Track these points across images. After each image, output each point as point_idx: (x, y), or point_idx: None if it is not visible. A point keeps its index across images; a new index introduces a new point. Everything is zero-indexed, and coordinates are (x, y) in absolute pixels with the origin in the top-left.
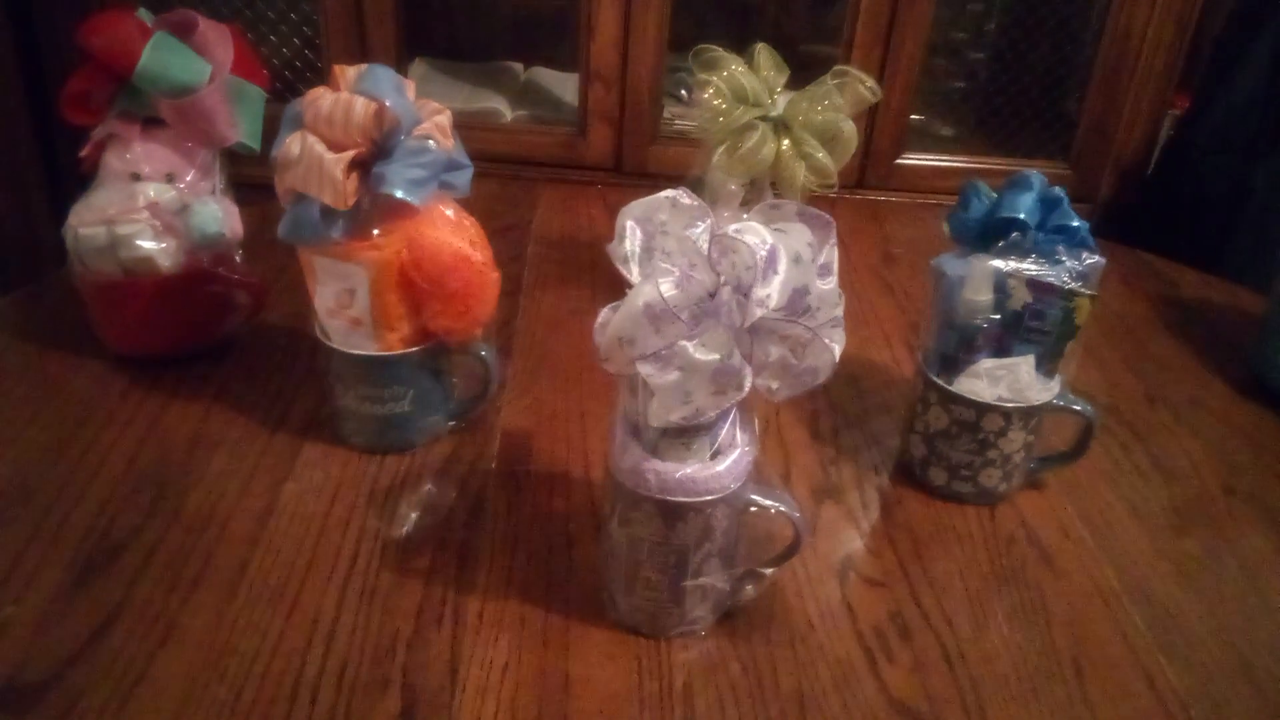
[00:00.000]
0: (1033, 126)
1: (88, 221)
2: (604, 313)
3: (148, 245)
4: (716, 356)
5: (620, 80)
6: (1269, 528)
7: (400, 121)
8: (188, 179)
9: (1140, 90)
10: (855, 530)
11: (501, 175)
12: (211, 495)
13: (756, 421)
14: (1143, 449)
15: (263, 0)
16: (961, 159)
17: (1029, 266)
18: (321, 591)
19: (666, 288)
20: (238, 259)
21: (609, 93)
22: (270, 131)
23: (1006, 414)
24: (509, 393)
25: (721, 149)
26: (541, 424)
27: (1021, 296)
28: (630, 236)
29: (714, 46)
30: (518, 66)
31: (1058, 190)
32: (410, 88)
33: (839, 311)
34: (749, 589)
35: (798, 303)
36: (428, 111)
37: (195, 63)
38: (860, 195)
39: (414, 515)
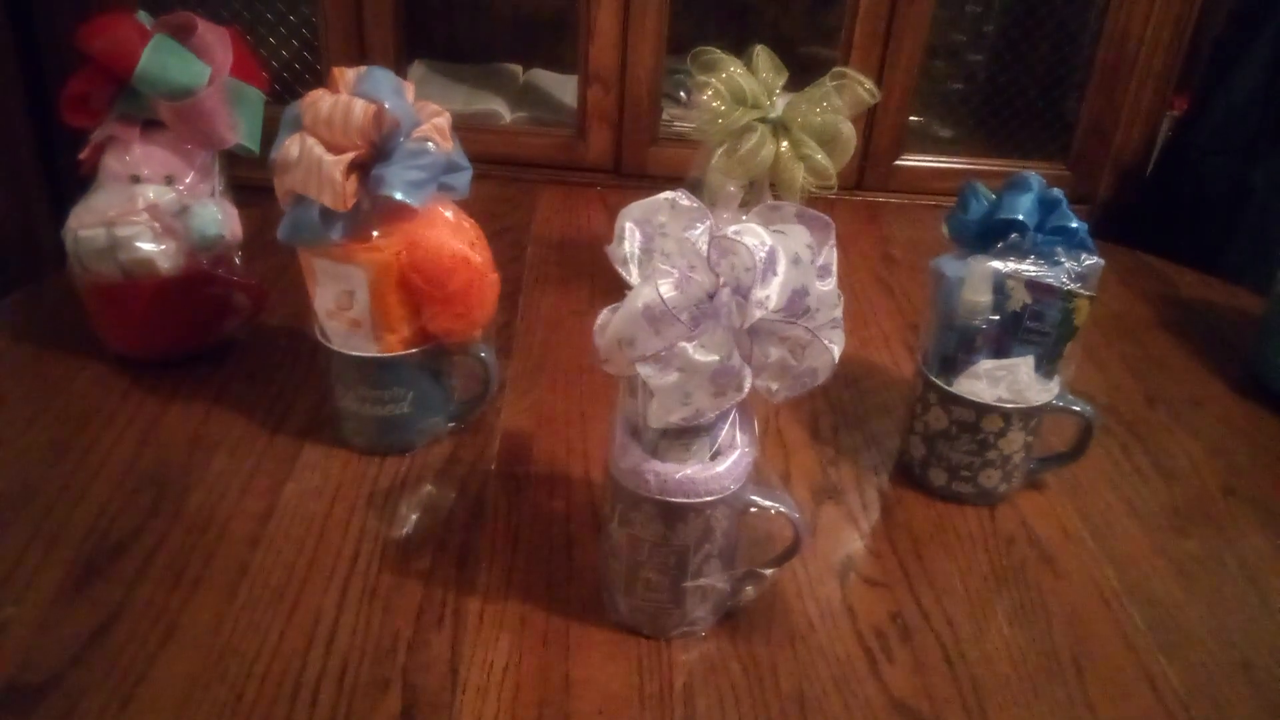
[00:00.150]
0: (1032, 128)
1: (87, 223)
2: (603, 314)
3: (147, 247)
4: (716, 358)
5: (619, 82)
6: (1269, 528)
7: (399, 123)
8: (187, 181)
9: (1139, 91)
10: (855, 531)
11: (501, 177)
12: (212, 496)
13: (756, 422)
14: (1142, 449)
15: (262, 2)
16: (960, 160)
17: (1028, 267)
18: (322, 592)
19: (666, 289)
20: (237, 261)
21: (608, 94)
22: (269, 133)
23: (1006, 415)
24: (509, 394)
25: (720, 150)
26: (541, 425)
27: (1021, 297)
28: (629, 238)
29: (713, 48)
30: (517, 68)
31: (1056, 191)
32: (409, 90)
33: (838, 313)
34: (749, 590)
35: (797, 304)
36: (427, 113)
37: (194, 65)
38: (859, 196)
39: (414, 516)
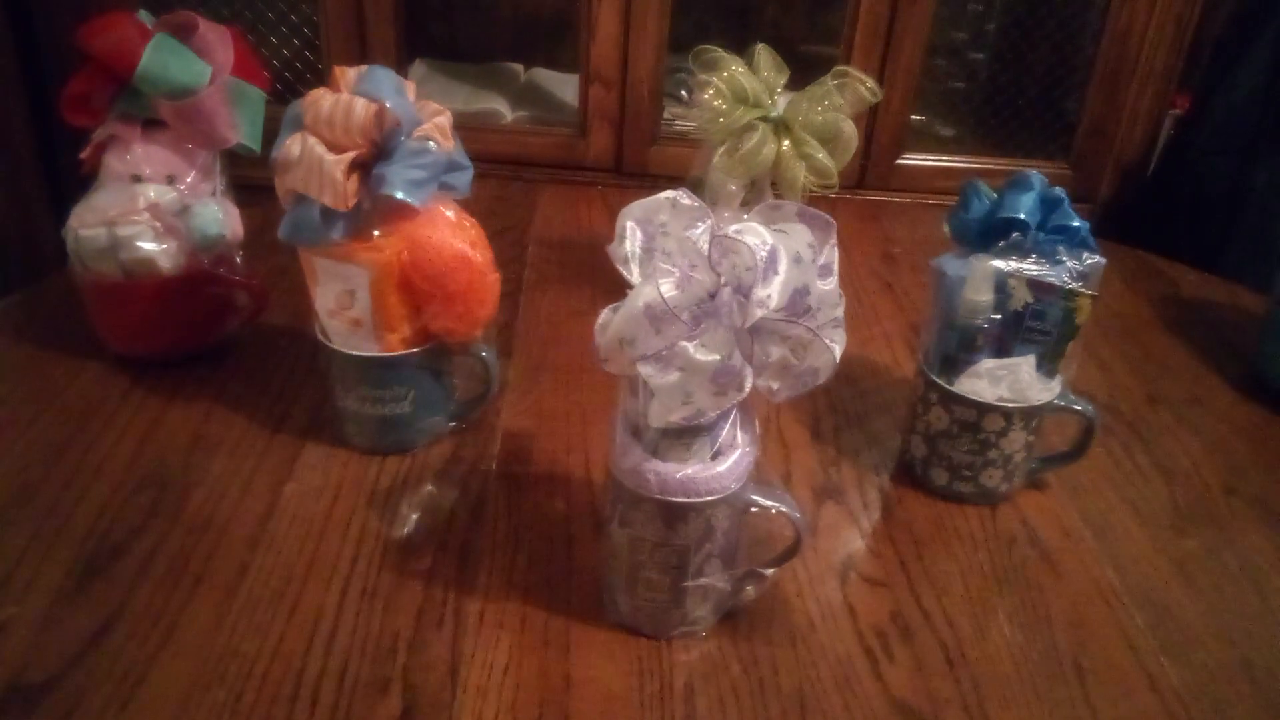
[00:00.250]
0: (1033, 126)
1: (88, 223)
2: (604, 313)
3: (148, 247)
4: (717, 357)
5: (620, 81)
6: (1270, 527)
7: (400, 123)
8: (188, 180)
9: (1140, 90)
10: (856, 530)
11: (502, 176)
12: (212, 496)
13: (757, 422)
14: (1144, 449)
15: (263, 1)
16: (962, 159)
17: (1029, 266)
18: (322, 592)
19: (667, 288)
20: (238, 260)
21: (609, 93)
22: (270, 133)
23: (1007, 414)
24: (509, 393)
25: (722, 150)
26: (542, 425)
27: (1022, 296)
28: (630, 237)
29: (714, 47)
30: (518, 67)
31: (1058, 190)
32: (410, 89)
33: (839, 312)
34: (750, 589)
35: (798, 303)
36: (428, 113)
37: (195, 64)
38: (860, 196)
39: (414, 516)
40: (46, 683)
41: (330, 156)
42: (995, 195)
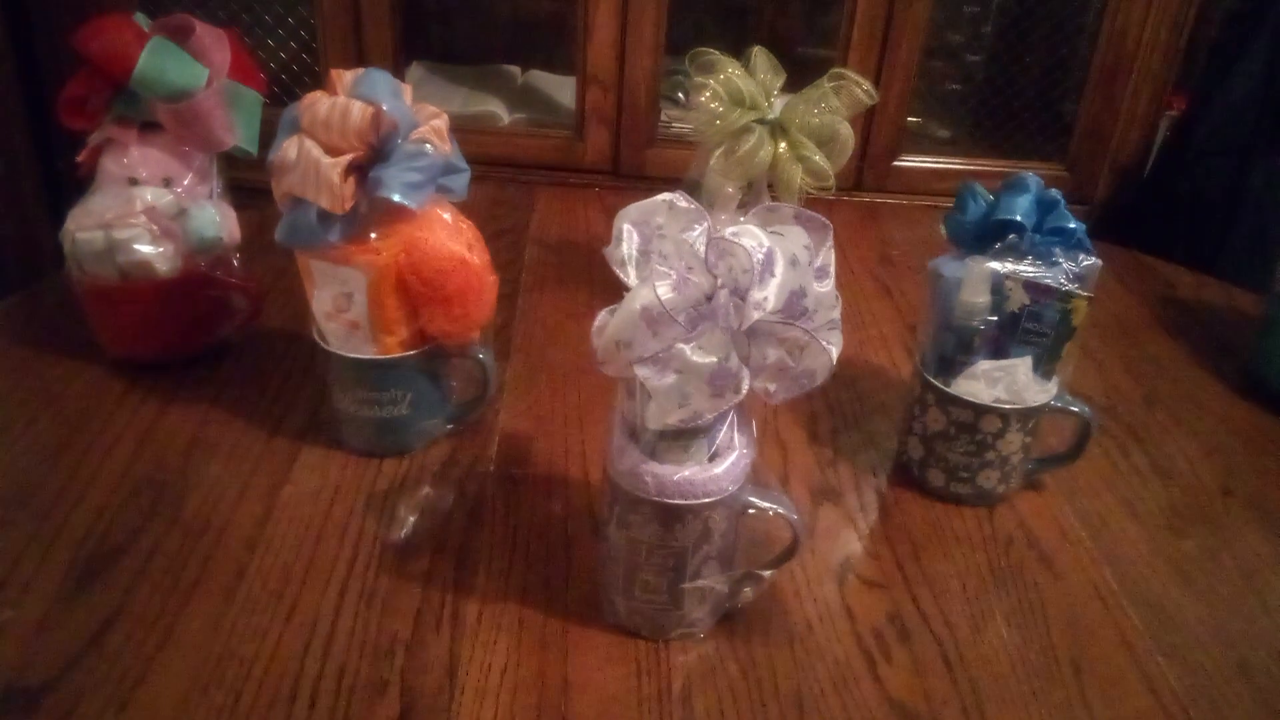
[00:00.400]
0: (1029, 128)
1: (85, 226)
2: (601, 315)
3: (145, 249)
4: (714, 359)
5: (617, 83)
6: (1267, 528)
7: (397, 125)
8: (185, 183)
9: (1137, 92)
10: (853, 532)
11: (499, 178)
12: (210, 499)
13: (754, 424)
14: (1140, 450)
15: (260, 4)
16: (958, 161)
17: (1026, 268)
18: (320, 595)
19: (664, 291)
20: (235, 263)
21: (606, 96)
22: (267, 135)
23: (1004, 415)
24: (507, 395)
25: (719, 152)
26: (539, 427)
27: (1019, 298)
28: (627, 239)
29: (711, 49)
30: (515, 70)
31: (1054, 192)
32: (407, 91)
33: (836, 314)
34: (747, 591)
35: (795, 305)
36: (425, 115)
37: (192, 67)
38: (857, 197)
39: (412, 518)
40: (44, 685)
41: (327, 159)
42: (992, 197)
